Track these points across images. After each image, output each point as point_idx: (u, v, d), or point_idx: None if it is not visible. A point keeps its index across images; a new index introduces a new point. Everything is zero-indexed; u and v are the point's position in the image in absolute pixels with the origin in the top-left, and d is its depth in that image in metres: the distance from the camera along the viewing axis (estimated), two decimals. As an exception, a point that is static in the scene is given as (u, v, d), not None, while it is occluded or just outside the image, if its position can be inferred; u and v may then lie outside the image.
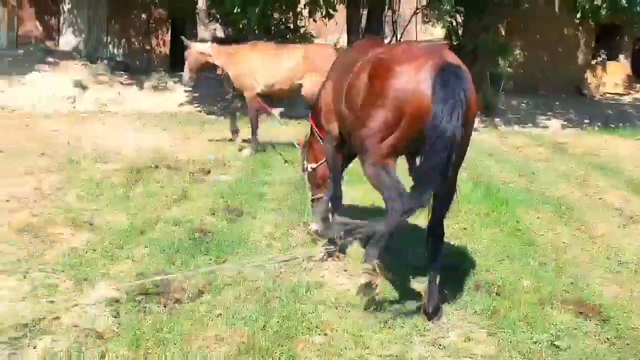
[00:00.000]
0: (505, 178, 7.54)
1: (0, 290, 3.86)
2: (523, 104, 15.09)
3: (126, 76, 14.88)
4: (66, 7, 16.12)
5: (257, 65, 8.65)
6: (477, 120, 13.42)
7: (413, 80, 3.33)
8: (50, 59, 14.51)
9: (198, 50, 8.85)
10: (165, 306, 3.76)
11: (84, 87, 13.59)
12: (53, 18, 16.22)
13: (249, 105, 8.88)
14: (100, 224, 5.22)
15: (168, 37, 16.08)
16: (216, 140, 9.52)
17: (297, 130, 10.42)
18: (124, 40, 16.18)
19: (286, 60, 8.66)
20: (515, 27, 15.61)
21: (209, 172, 7.29)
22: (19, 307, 3.63)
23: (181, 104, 13.83)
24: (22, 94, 13.01)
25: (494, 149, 9.75)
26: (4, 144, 8.36)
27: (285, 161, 7.72)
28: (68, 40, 16.13)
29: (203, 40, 9.83)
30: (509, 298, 3.91)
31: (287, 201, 6.08)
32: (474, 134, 4.02)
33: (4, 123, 10.56)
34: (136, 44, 16.18)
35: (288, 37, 13.11)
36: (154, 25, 16.08)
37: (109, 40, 16.14)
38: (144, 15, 16.03)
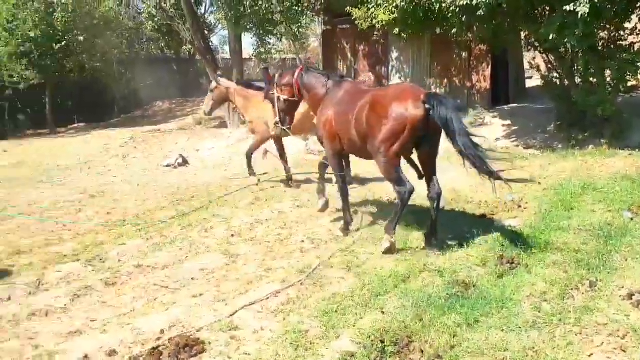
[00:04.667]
0: None
1: (262, 330, 4.24)
2: None
3: (445, 115, 15.16)
4: (394, 55, 17.48)
5: (269, 113, 8.44)
6: None
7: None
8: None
9: (225, 86, 9.97)
10: (397, 368, 3.57)
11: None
12: (383, 67, 17.73)
13: (251, 145, 10.01)
14: (368, 269, 5.32)
15: (488, 72, 15.83)
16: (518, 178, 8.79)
17: (628, 162, 8.94)
18: (445, 80, 16.58)
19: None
20: None
21: (493, 214, 6.82)
22: (268, 348, 3.92)
23: (497, 139, 13.35)
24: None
25: None
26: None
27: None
28: (395, 85, 17.41)
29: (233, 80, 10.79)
30: None
31: (578, 253, 5.17)
32: None
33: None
34: (457, 82, 16.38)
35: (619, 56, 11.39)
36: (474, 62, 16.05)
37: (431, 81, 16.79)
38: (464, 54, 16.14)
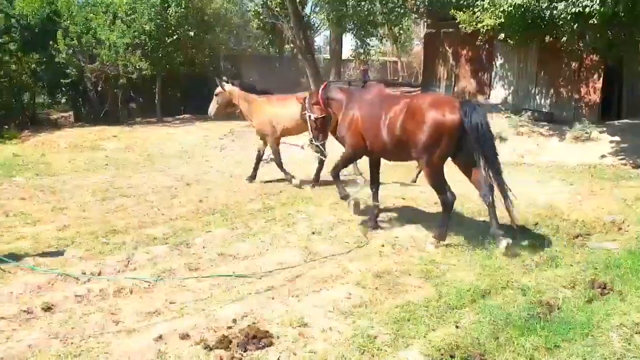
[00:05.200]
0: None
1: (330, 330, 4.21)
2: None
3: (548, 127, 14.41)
4: (498, 62, 16.87)
5: (274, 113, 10.01)
6: None
7: None
8: (476, 113, 15.32)
9: (229, 90, 10.39)
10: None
11: (502, 139, 13.81)
12: (486, 74, 17.15)
13: (272, 149, 10.42)
14: (447, 280, 5.14)
15: (599, 85, 14.85)
16: (624, 199, 8.18)
17: None
18: (551, 90, 15.76)
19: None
20: None
21: (589, 234, 6.39)
22: (335, 349, 3.88)
23: (603, 156, 12.49)
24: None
25: None
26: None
27: None
28: (497, 93, 16.82)
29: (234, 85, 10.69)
30: None
31: (681, 285, 4.71)
32: None
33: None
34: (564, 93, 15.51)
35: None
36: (584, 72, 15.14)
37: (536, 91, 16.03)
38: (574, 64, 15.25)
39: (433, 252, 6.00)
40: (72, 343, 3.97)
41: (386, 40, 19.92)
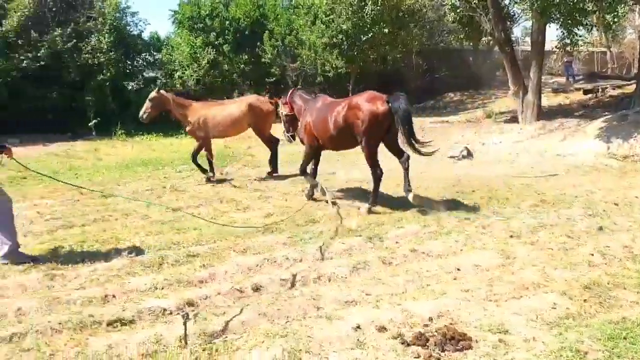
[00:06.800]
0: None
1: (534, 340, 3.95)
2: None
3: None
4: None
5: (209, 118, 10.76)
6: None
7: None
8: None
9: (164, 95, 10.85)
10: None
11: None
12: None
13: (195, 148, 11.04)
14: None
15: None
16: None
17: None
18: None
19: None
20: None
21: None
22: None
23: None
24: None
25: None
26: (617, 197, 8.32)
27: None
28: None
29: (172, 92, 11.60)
30: None
31: None
32: None
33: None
34: None
35: None
36: None
37: None
38: None
39: (653, 266, 5.34)
40: (278, 323, 4.28)
41: (597, 30, 18.05)
